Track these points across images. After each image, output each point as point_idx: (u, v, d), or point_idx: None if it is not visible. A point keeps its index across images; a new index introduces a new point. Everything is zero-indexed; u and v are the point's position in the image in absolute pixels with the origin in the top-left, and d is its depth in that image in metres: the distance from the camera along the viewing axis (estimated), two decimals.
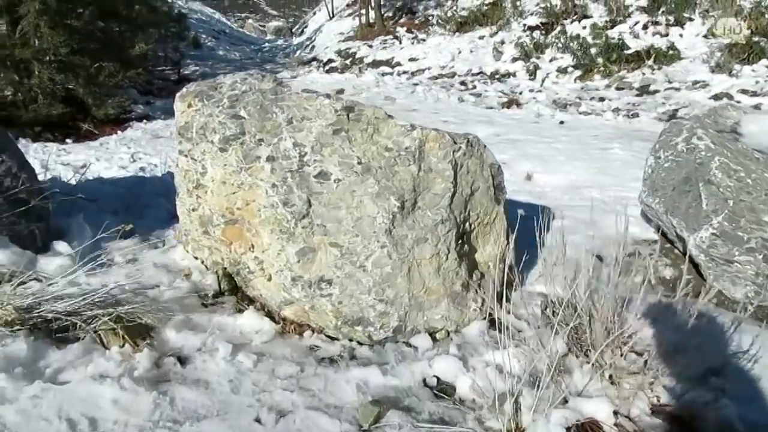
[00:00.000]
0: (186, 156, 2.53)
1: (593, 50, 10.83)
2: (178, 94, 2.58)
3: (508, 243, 2.93)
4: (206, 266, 2.88)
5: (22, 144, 7.75)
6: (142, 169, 6.23)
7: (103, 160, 6.50)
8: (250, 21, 39.59)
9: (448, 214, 2.56)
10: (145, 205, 4.54)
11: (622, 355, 2.25)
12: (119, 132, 8.96)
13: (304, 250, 2.36)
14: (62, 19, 8.40)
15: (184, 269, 2.97)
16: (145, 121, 9.58)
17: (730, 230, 2.97)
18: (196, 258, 2.96)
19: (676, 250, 3.88)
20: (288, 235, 2.35)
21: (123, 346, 2.12)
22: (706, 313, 2.68)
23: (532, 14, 14.73)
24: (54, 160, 6.70)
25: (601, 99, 9.43)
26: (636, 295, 2.52)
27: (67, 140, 8.43)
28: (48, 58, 8.23)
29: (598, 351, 2.15)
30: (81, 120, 8.91)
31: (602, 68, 10.33)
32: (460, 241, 2.67)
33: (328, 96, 2.41)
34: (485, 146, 2.84)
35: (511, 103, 9.87)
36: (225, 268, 2.77)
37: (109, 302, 2.30)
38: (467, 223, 2.74)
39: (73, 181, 4.72)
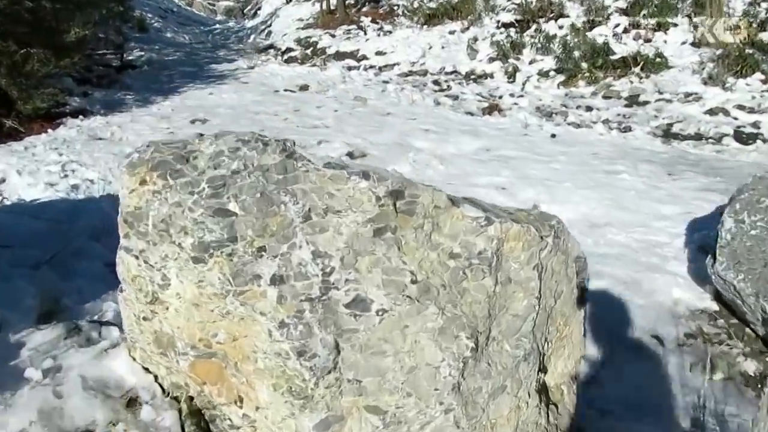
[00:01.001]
0: (136, 257, 1.62)
1: (576, 54, 10.19)
2: (126, 162, 1.65)
3: (583, 355, 2.16)
4: (163, 389, 1.98)
5: None
6: (74, 187, 5.14)
7: (26, 173, 5.36)
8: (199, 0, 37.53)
9: (531, 344, 1.75)
10: (76, 253, 3.54)
11: None
12: (50, 130, 7.70)
13: (327, 421, 1.50)
14: None
15: (130, 392, 2.05)
16: (81, 117, 8.33)
17: None
18: (148, 371, 2.05)
19: (748, 329, 3.19)
20: (303, 400, 1.48)
21: None
22: None
23: (504, 10, 14.03)
24: None
25: (589, 108, 8.80)
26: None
27: None
28: None
29: None
30: (3, 115, 7.61)
31: (587, 74, 9.71)
32: (538, 376, 1.87)
33: (365, 175, 1.55)
34: (569, 232, 2.02)
35: (492, 109, 9.13)
36: (192, 399, 1.89)
37: None
38: (545, 346, 1.94)
39: None
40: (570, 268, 2.00)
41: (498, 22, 13.43)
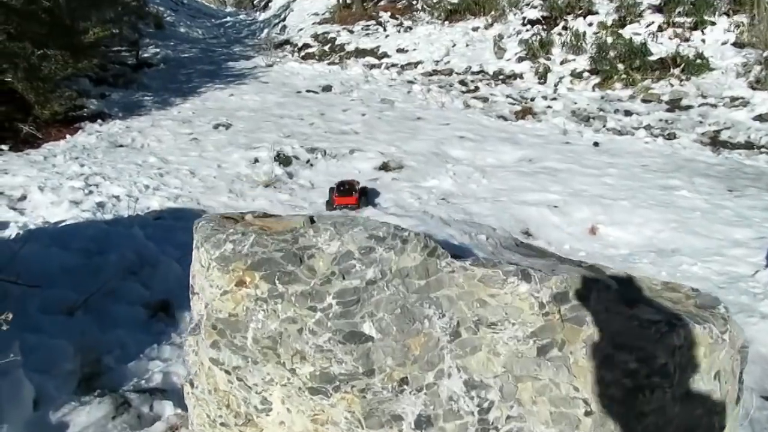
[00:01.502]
0: (227, 373, 1.28)
1: (611, 54, 9.76)
2: (215, 253, 1.30)
3: None
4: None
5: None
6: (100, 206, 4.81)
7: (48, 189, 5.03)
8: None
9: None
10: (112, 293, 3.20)
11: None
12: (68, 136, 7.38)
13: None
14: None
15: None
16: (100, 121, 7.99)
17: None
18: None
19: None
20: None
21: None
22: None
23: (529, 6, 13.57)
24: None
25: (628, 113, 8.40)
26: None
27: (2, 147, 6.84)
28: None
29: None
30: (20, 120, 7.29)
31: (624, 76, 9.29)
32: None
33: (524, 275, 1.20)
34: (734, 320, 1.67)
35: (526, 112, 8.74)
36: None
37: None
38: None
39: (9, 239, 3.27)
40: (735, 362, 1.65)
41: (523, 18, 12.97)
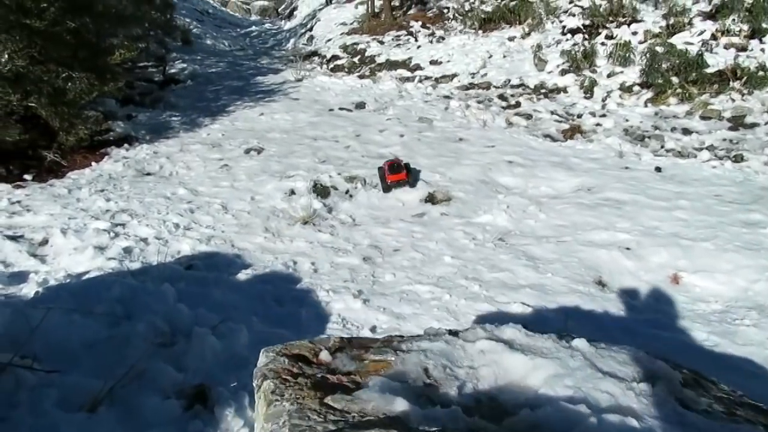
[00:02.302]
0: None
1: (663, 65, 9.14)
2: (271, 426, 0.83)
3: None
4: None
5: None
6: (127, 251, 4.39)
7: (71, 232, 4.63)
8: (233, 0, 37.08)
9: None
10: (141, 378, 2.76)
11: None
12: (94, 163, 7.01)
13: None
14: (21, 18, 6.43)
15: None
16: (126, 145, 7.64)
17: None
18: None
19: None
20: None
21: None
22: None
23: (568, 14, 13.00)
24: (1, 226, 4.83)
25: (687, 131, 7.79)
26: None
27: (26, 176, 6.50)
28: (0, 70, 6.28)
29: None
30: (45, 147, 6.97)
31: (678, 90, 8.67)
32: None
33: None
34: None
35: (574, 131, 8.18)
36: None
37: None
38: None
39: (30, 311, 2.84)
40: None
41: (563, 27, 12.40)
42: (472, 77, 11.45)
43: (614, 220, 5.18)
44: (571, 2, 13.24)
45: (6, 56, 6.31)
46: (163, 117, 9.05)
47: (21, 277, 4.03)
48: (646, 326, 3.66)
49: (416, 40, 14.41)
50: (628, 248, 4.67)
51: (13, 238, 4.55)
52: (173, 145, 7.70)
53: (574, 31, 12.08)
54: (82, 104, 7.43)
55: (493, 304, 3.84)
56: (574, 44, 11.38)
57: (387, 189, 6.04)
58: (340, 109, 9.60)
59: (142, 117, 8.90)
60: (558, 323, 3.45)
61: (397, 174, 6.00)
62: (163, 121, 8.86)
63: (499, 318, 3.52)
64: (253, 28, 25.80)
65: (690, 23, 10.68)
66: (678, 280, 4.25)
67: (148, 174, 6.72)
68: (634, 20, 11.60)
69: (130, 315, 3.35)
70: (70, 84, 7.35)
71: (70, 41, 7.23)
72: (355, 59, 14.35)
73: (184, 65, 12.83)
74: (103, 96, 8.27)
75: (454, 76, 11.73)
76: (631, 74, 9.58)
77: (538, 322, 3.47)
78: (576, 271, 4.34)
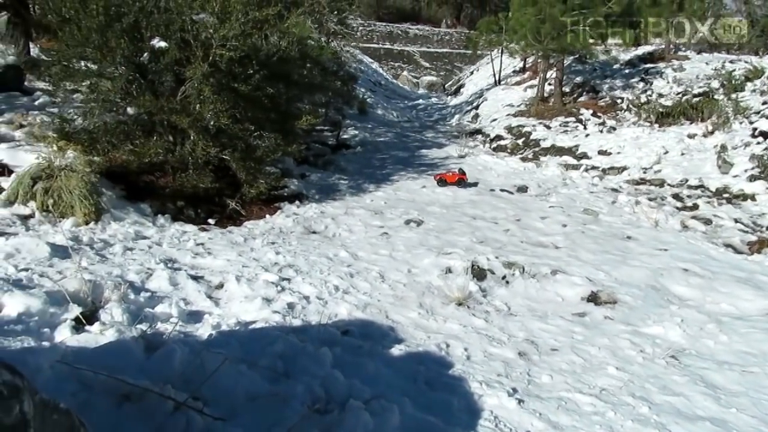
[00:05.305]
0: None
1: None
2: None
3: None
4: None
5: (159, 224, 6.57)
6: (290, 307, 4.60)
7: (244, 280, 4.98)
8: (404, 73, 39.27)
9: None
10: None
11: None
12: (268, 216, 7.61)
13: None
14: (230, 83, 7.28)
15: None
16: (297, 203, 8.20)
17: None
18: None
19: None
20: None
21: None
22: None
23: (760, 114, 11.99)
24: (186, 265, 5.32)
25: None
26: None
27: (210, 220, 7.19)
28: (206, 125, 7.11)
29: None
30: (229, 196, 7.69)
31: None
32: None
33: None
34: None
35: (762, 244, 7.35)
36: None
37: None
38: None
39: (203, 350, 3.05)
40: None
41: (753, 129, 11.44)
42: (644, 172, 10.88)
43: None
44: (764, 103, 12.26)
45: (212, 113, 7.12)
46: (332, 179, 9.61)
47: (197, 316, 4.36)
48: None
49: (585, 128, 14.11)
50: None
51: (195, 278, 4.97)
52: (339, 207, 8.10)
53: (766, 135, 11.10)
54: (266, 161, 8.14)
55: None
56: (766, 149, 10.42)
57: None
58: (501, 190, 9.55)
59: (314, 177, 9.52)
60: None
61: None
62: (332, 183, 9.40)
63: None
64: (420, 101, 26.97)
65: None
66: None
67: (314, 232, 7.10)
68: None
69: (289, 373, 3.46)
70: (259, 142, 8.12)
71: (266, 105, 8.03)
72: (519, 141, 14.35)
73: (356, 132, 13.65)
74: (285, 155, 9.01)
75: (624, 168, 11.23)
76: None
77: None
78: (766, 416, 3.77)
